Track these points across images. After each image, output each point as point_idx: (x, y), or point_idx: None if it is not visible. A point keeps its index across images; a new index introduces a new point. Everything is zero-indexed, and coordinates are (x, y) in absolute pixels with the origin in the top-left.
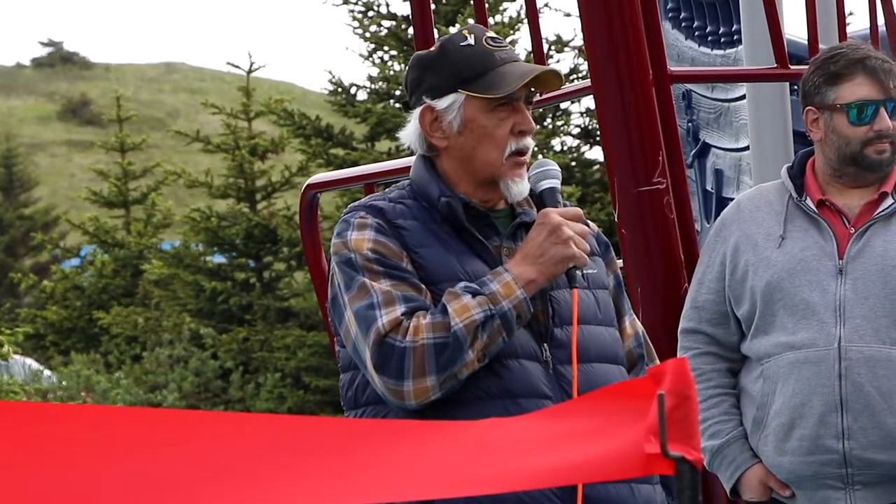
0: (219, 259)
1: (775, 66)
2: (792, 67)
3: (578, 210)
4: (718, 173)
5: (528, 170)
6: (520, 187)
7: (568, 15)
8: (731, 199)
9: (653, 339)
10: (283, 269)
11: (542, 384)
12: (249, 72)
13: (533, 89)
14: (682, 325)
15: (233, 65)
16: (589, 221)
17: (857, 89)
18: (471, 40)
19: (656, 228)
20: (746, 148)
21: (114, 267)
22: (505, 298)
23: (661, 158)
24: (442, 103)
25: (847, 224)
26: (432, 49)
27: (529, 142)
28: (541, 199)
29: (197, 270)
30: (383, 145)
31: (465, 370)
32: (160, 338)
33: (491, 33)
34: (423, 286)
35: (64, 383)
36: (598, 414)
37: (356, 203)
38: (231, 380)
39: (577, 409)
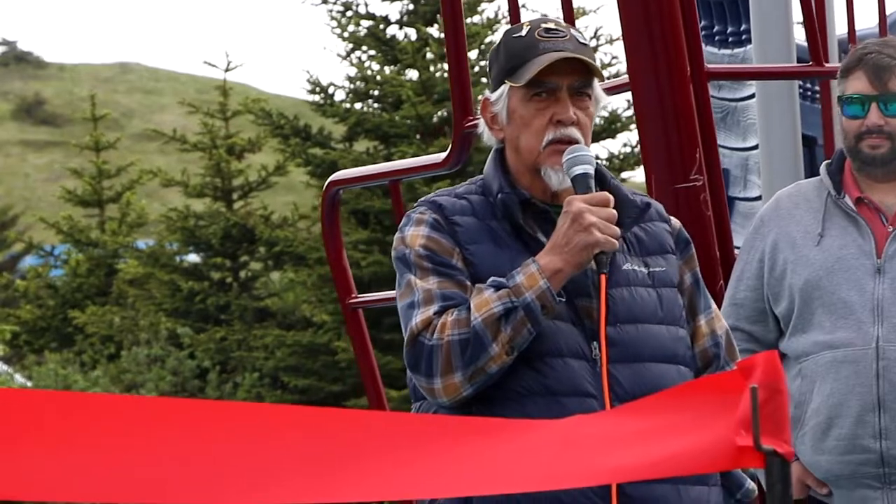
0: (193, 258)
1: (811, 63)
2: (826, 65)
3: (605, 195)
4: (725, 172)
5: None
6: (560, 176)
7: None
8: (738, 199)
9: None
10: (259, 269)
11: (586, 383)
12: (227, 70)
13: (597, 80)
14: None
15: (210, 64)
16: (672, 218)
17: (854, 84)
18: (523, 31)
19: (693, 225)
20: (754, 147)
21: (88, 266)
22: (528, 290)
23: (698, 156)
24: (494, 95)
25: (885, 222)
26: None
27: (571, 132)
28: (573, 185)
29: (173, 270)
30: (361, 145)
31: (493, 364)
32: (137, 337)
33: (551, 24)
34: (470, 284)
35: (40, 383)
36: (685, 408)
37: (424, 198)
38: (208, 379)
39: (664, 403)
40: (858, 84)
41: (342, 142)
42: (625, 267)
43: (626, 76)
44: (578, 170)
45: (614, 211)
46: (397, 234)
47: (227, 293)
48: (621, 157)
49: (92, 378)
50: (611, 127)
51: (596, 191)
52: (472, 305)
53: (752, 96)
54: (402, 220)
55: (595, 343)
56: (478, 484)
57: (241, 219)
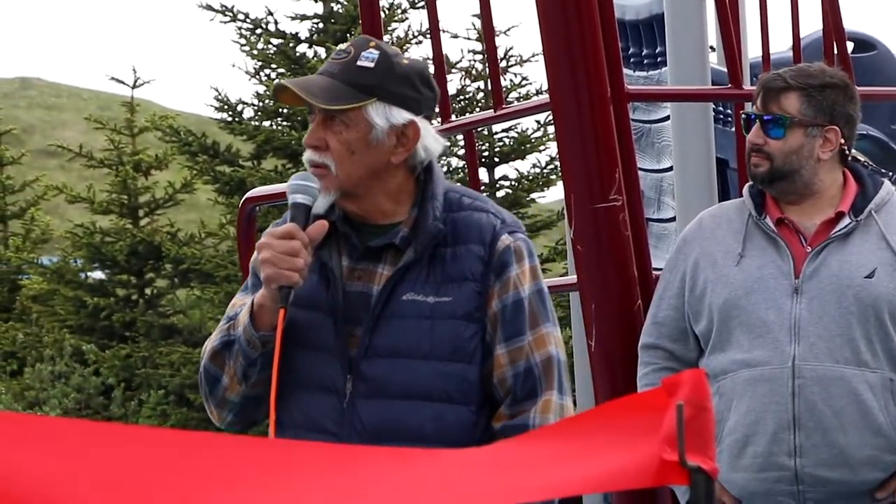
0: (98, 275)
1: (730, 86)
2: (745, 88)
3: (288, 228)
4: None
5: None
6: (317, 201)
7: (455, 37)
8: (652, 220)
9: (606, 355)
10: (165, 286)
11: (326, 419)
12: (134, 87)
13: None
14: (642, 340)
15: (117, 80)
16: (501, 239)
17: (755, 103)
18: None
19: (611, 245)
20: (668, 169)
21: None
22: (240, 324)
23: (617, 176)
24: None
25: (804, 243)
26: None
27: (313, 156)
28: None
29: (78, 286)
30: (270, 163)
31: (231, 393)
32: (40, 354)
33: (344, 46)
34: None
35: None
36: (609, 427)
37: None
38: (113, 396)
39: (588, 423)
40: (755, 104)
41: (250, 160)
42: (405, 297)
43: (545, 96)
44: (294, 199)
45: (296, 243)
46: None
47: (133, 310)
48: (530, 177)
49: None
50: (520, 148)
51: (318, 218)
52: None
53: (667, 118)
54: None
55: (349, 376)
56: None
57: (148, 235)
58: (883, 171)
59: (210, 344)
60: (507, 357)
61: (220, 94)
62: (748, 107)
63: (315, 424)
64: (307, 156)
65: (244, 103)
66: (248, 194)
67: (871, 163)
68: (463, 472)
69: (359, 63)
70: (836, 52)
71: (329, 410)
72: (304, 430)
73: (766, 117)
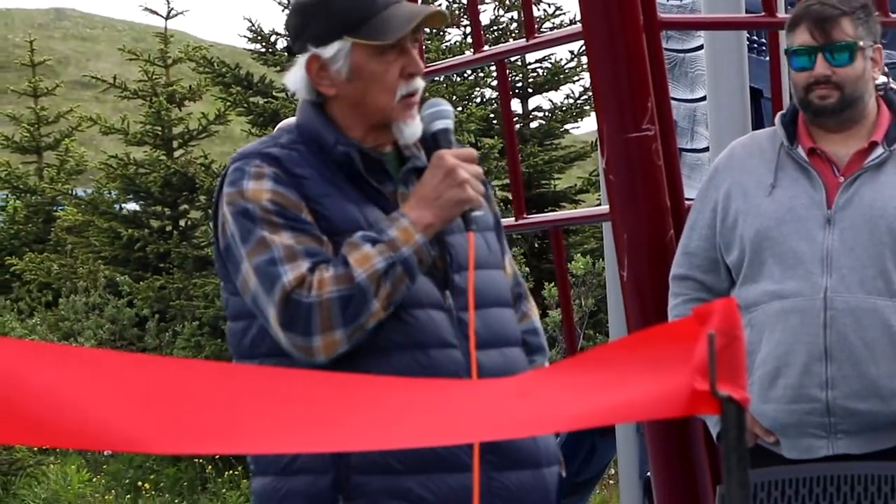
0: (133, 206)
1: (763, 14)
2: (778, 16)
3: (472, 151)
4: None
5: (419, 110)
6: (412, 129)
7: None
8: (685, 150)
9: (638, 285)
10: (199, 218)
11: (447, 333)
12: (167, 18)
13: (430, 29)
14: (673, 270)
15: (150, 10)
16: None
17: (800, 36)
18: None
19: (644, 175)
20: (702, 99)
21: (26, 213)
22: (404, 244)
23: (650, 105)
24: (328, 51)
25: (837, 173)
26: None
27: (419, 83)
28: (434, 140)
29: (112, 218)
30: None
31: (372, 320)
32: (75, 285)
33: None
34: (325, 237)
35: None
36: (641, 357)
37: (246, 149)
38: (147, 328)
39: (620, 352)
40: (804, 36)
41: (284, 91)
42: None
43: (578, 26)
44: (440, 124)
45: (480, 168)
46: (230, 189)
47: (167, 241)
48: (564, 108)
49: (29, 325)
50: (554, 79)
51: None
52: (351, 261)
53: (700, 48)
54: (234, 174)
55: (447, 291)
56: (443, 434)
57: (182, 167)
58: None
59: (368, 268)
60: (510, 267)
61: (253, 25)
62: (782, 35)
63: (440, 340)
64: (416, 84)
65: (278, 34)
66: (280, 125)
67: None
68: (493, 403)
69: None
70: None
71: (446, 325)
72: (431, 348)
73: (833, 45)
